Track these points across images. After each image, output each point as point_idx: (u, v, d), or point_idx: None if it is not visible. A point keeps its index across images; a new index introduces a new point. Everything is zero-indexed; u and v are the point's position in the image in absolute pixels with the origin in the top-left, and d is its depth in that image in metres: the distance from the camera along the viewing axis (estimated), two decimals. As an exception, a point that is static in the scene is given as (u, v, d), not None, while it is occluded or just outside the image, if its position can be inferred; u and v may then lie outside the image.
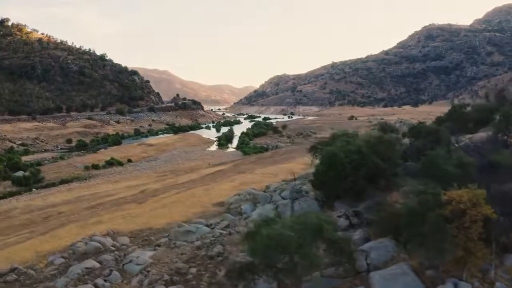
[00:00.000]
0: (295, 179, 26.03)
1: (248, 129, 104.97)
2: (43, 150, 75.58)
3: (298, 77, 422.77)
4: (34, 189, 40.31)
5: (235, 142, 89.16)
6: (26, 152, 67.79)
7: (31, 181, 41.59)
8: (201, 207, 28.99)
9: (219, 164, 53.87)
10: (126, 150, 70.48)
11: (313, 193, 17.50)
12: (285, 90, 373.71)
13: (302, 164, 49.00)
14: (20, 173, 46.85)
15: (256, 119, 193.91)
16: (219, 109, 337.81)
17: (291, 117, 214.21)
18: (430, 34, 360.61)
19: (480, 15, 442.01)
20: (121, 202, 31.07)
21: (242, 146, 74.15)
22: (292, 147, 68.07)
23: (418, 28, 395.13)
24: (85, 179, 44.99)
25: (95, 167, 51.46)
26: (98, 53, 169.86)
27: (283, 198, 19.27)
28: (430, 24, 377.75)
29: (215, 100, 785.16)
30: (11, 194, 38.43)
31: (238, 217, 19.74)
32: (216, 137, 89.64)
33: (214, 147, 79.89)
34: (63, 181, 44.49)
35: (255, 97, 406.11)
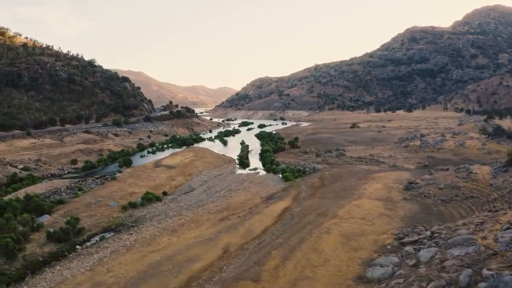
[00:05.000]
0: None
1: (265, 143, 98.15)
2: (48, 175, 66.75)
3: (281, 80, 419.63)
4: (77, 246, 32.36)
5: (251, 157, 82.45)
6: (33, 180, 58.85)
7: (71, 234, 33.46)
8: (342, 286, 22.41)
9: (273, 198, 46.94)
10: (147, 175, 62.54)
11: None
12: (268, 93, 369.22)
13: (376, 199, 43.12)
14: (47, 219, 38.73)
15: (250, 126, 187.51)
16: (201, 112, 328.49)
17: (285, 123, 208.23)
18: (413, 36, 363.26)
19: (459, 17, 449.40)
20: (226, 278, 23.87)
21: (274, 167, 67.25)
22: (334, 170, 61.70)
23: (400, 31, 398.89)
24: (132, 226, 37.22)
25: (133, 205, 43.57)
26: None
27: None
28: (413, 27, 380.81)
29: (192, 102, 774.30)
30: (53, 256, 30.47)
31: None
32: (237, 156, 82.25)
33: (237, 167, 72.71)
34: (106, 230, 36.66)
35: (238, 100, 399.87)
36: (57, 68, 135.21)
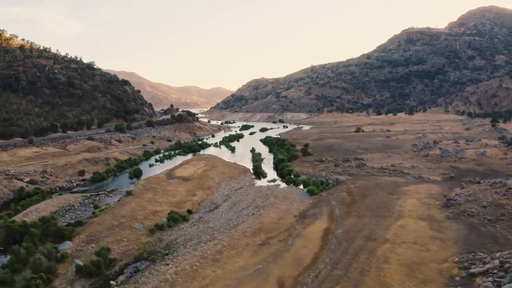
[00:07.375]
0: None
1: (276, 151, 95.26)
2: (57, 188, 63.29)
3: (277, 81, 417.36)
4: (112, 282, 29.22)
5: (264, 167, 79.59)
6: (43, 195, 55.37)
7: (102, 267, 30.27)
8: None
9: (307, 216, 44.11)
10: (163, 189, 59.34)
11: None
12: (264, 94, 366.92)
13: (418, 219, 40.87)
14: (70, 246, 35.51)
15: (251, 129, 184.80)
16: (197, 114, 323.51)
17: (286, 126, 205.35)
18: (410, 38, 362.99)
19: (454, 18, 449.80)
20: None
21: (294, 179, 64.41)
22: (359, 183, 59.13)
23: (396, 32, 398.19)
24: (166, 254, 34.14)
25: (160, 227, 40.48)
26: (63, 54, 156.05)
27: None
28: (409, 28, 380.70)
29: (185, 102, 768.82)
30: (88, 295, 27.34)
31: None
32: (252, 166, 79.49)
33: (254, 178, 69.89)
34: (138, 259, 33.56)
35: (234, 102, 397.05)
36: (56, 71, 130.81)
